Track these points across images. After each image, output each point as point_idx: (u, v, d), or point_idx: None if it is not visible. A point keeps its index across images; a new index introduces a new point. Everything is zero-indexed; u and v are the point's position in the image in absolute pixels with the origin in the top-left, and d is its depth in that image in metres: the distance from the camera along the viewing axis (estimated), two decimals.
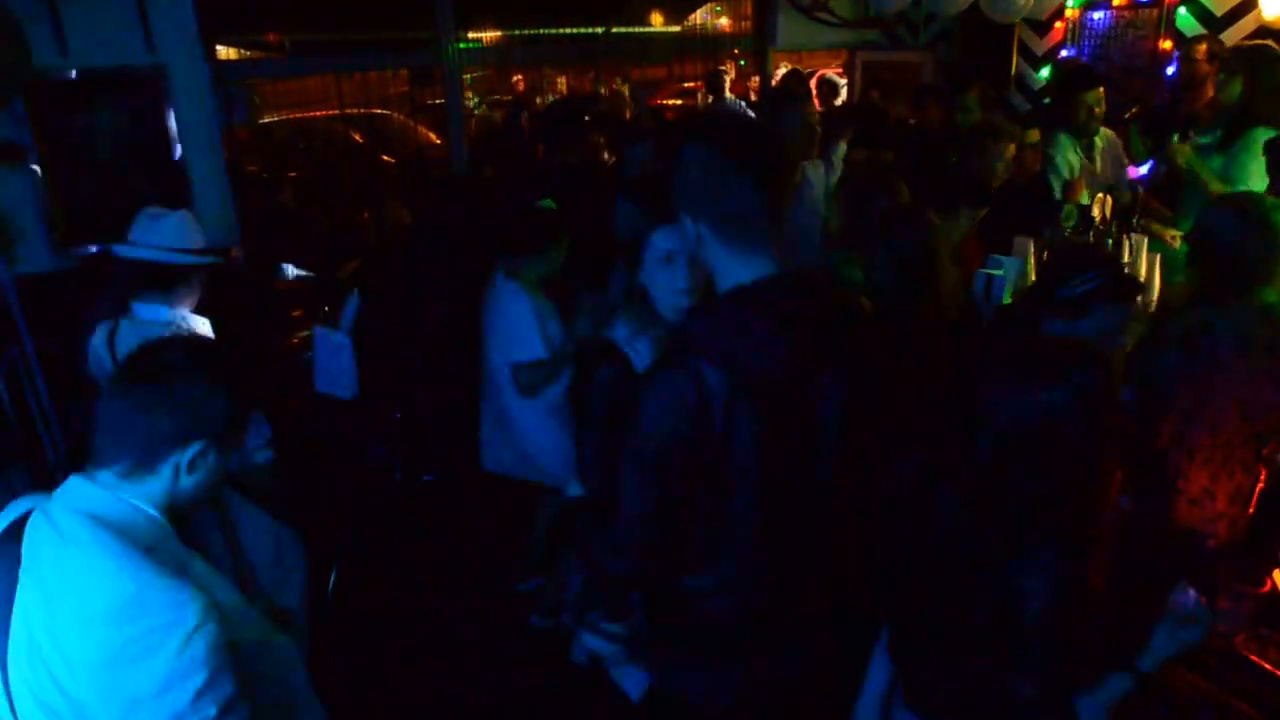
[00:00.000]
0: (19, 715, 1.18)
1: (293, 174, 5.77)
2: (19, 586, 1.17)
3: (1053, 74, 5.60)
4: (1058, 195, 3.75)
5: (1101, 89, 3.90)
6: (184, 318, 2.30)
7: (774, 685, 1.59)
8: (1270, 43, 3.81)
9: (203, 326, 2.31)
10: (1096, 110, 3.86)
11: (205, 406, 1.27)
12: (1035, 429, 1.42)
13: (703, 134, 1.41)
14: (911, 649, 1.67)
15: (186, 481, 1.27)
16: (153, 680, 1.12)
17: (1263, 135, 3.31)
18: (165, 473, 1.25)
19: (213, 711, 1.15)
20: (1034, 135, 3.77)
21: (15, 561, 1.18)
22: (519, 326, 2.82)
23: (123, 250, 2.30)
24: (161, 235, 2.27)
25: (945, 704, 1.59)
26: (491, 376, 2.99)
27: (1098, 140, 4.03)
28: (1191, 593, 1.52)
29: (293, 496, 2.45)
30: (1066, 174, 3.86)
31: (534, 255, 2.87)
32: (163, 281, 2.27)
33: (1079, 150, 3.95)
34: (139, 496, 1.24)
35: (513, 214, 3.05)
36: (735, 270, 1.39)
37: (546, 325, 2.84)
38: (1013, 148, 3.55)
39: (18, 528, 1.22)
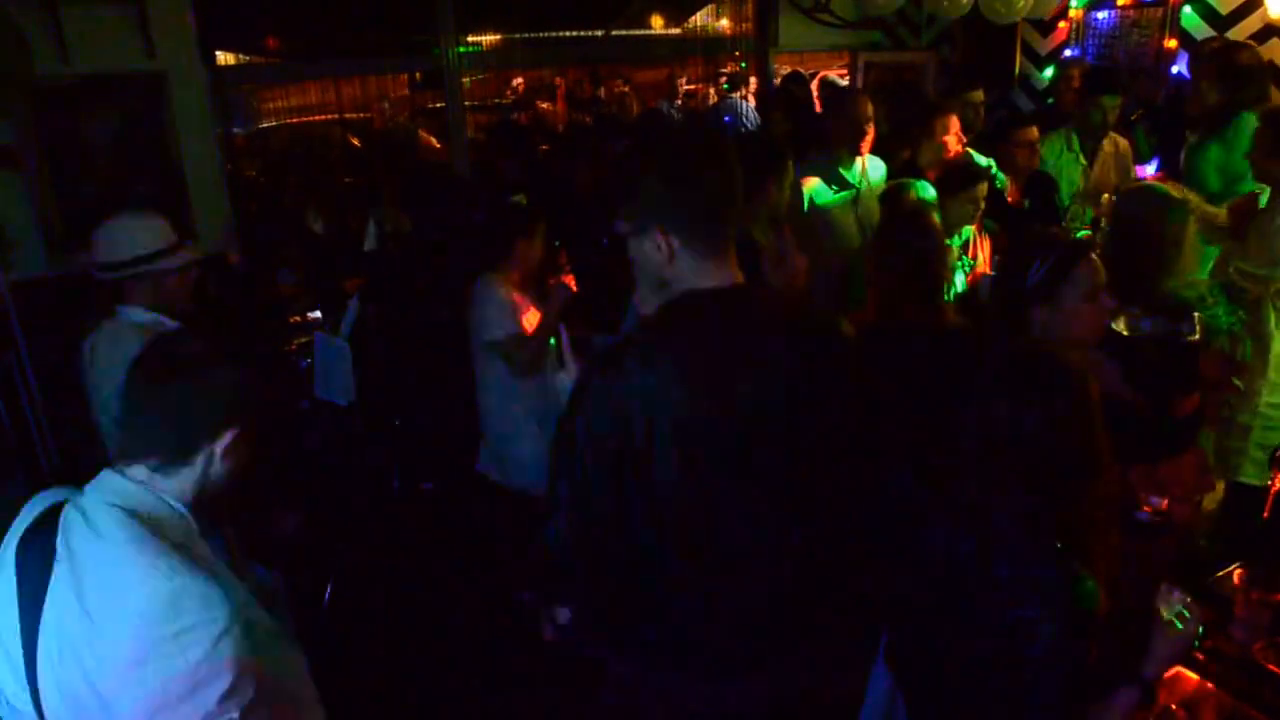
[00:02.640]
0: (45, 709, 1.17)
1: (291, 179, 5.75)
2: (52, 579, 1.17)
3: (1057, 72, 5.57)
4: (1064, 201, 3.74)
5: (1120, 99, 3.95)
6: (158, 320, 2.29)
7: (727, 715, 1.53)
8: (1250, 43, 3.82)
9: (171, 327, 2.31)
10: (1109, 117, 3.91)
11: (233, 394, 1.29)
12: (1019, 446, 1.40)
13: (667, 145, 1.43)
14: (913, 667, 1.63)
15: (217, 471, 1.28)
16: (183, 680, 1.12)
17: (1251, 120, 3.29)
18: (198, 464, 1.26)
19: (236, 715, 1.15)
20: (1033, 133, 3.76)
21: (48, 556, 1.18)
22: (493, 307, 2.85)
23: (94, 272, 2.33)
24: (102, 251, 2.29)
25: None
26: (478, 376, 2.99)
27: (1105, 144, 4.03)
28: (1176, 593, 1.52)
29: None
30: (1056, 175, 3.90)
31: (506, 253, 2.87)
32: (119, 293, 2.30)
33: (1076, 153, 3.96)
34: (170, 491, 1.25)
35: (482, 216, 3.07)
36: (698, 279, 1.39)
37: (517, 312, 2.85)
38: (956, 122, 3.59)
39: (49, 520, 1.21)
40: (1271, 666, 1.88)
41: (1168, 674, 1.78)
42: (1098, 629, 1.40)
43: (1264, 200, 3.04)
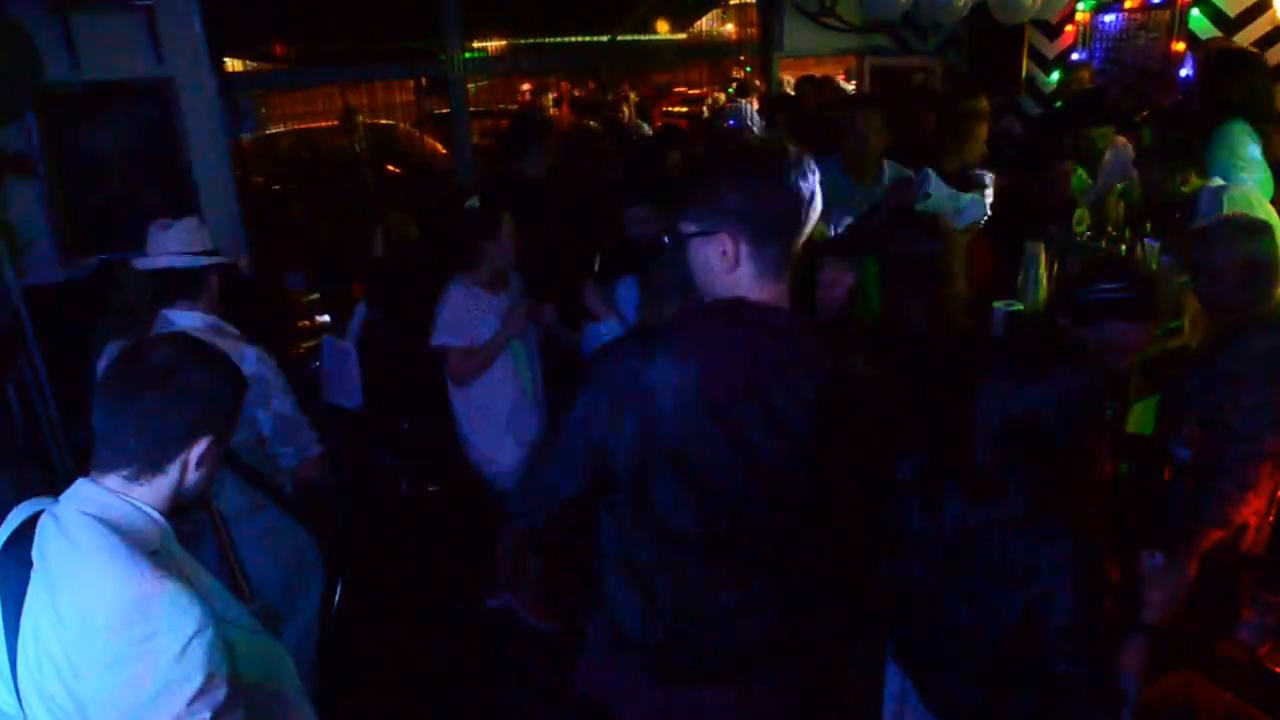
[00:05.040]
0: (27, 714, 1.19)
1: (298, 184, 5.79)
2: (29, 588, 1.18)
3: (1064, 76, 5.56)
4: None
5: (1111, 128, 3.98)
6: (218, 321, 2.30)
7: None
8: (1251, 48, 3.79)
9: (231, 329, 2.32)
10: (1100, 145, 3.94)
11: (207, 402, 1.29)
12: (1024, 425, 1.44)
13: (751, 150, 1.40)
14: (928, 655, 1.64)
15: (193, 477, 1.29)
16: (151, 684, 1.13)
17: (1239, 128, 3.26)
18: (173, 472, 1.27)
19: (207, 715, 1.16)
20: (1069, 165, 3.77)
21: (25, 563, 1.19)
22: (448, 311, 2.85)
23: (144, 263, 2.31)
24: (178, 241, 2.29)
25: (974, 705, 1.57)
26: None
27: (1106, 153, 4.01)
28: (1158, 555, 1.62)
29: (320, 505, 2.47)
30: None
31: (475, 256, 2.88)
32: (190, 287, 2.29)
33: (1080, 174, 3.94)
34: (145, 499, 1.25)
35: (451, 224, 3.07)
36: (751, 292, 1.36)
37: (474, 314, 2.85)
38: (985, 129, 3.71)
39: (27, 530, 1.22)
40: (1278, 669, 1.87)
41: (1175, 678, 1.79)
42: (1110, 593, 1.44)
43: None
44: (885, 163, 3.48)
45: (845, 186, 3.36)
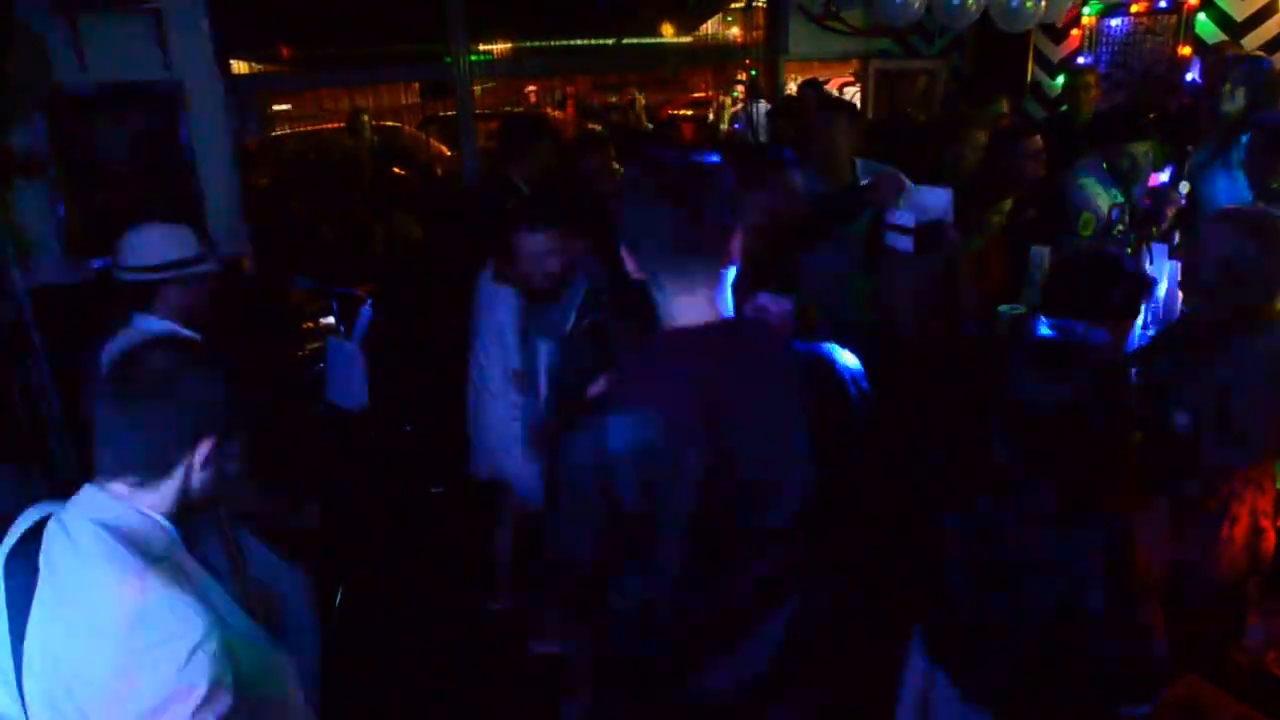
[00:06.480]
0: None
1: (302, 185, 5.80)
2: (37, 593, 1.18)
3: (1069, 80, 5.55)
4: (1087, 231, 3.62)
5: (1149, 143, 3.53)
6: (173, 329, 2.27)
7: None
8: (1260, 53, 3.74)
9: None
10: (1140, 162, 3.50)
11: (206, 402, 1.27)
12: (1054, 418, 1.45)
13: (646, 166, 1.34)
14: (964, 647, 1.65)
15: (199, 479, 1.27)
16: (156, 692, 1.13)
17: None
18: (178, 476, 1.25)
19: None
20: (1038, 142, 3.68)
21: (32, 570, 1.19)
22: (511, 332, 2.85)
23: (125, 275, 2.34)
24: (132, 255, 2.31)
25: (1007, 688, 1.58)
26: (476, 375, 3.01)
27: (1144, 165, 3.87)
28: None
29: (284, 524, 2.44)
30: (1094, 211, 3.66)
31: (504, 247, 2.80)
32: (141, 299, 2.30)
33: (1109, 191, 3.74)
34: (151, 504, 1.24)
35: (494, 221, 3.05)
36: (673, 314, 1.31)
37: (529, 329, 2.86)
38: (982, 136, 3.66)
39: (35, 535, 1.22)
40: None
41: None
42: (1146, 584, 1.45)
43: None
44: (858, 162, 3.47)
45: (817, 189, 3.35)
